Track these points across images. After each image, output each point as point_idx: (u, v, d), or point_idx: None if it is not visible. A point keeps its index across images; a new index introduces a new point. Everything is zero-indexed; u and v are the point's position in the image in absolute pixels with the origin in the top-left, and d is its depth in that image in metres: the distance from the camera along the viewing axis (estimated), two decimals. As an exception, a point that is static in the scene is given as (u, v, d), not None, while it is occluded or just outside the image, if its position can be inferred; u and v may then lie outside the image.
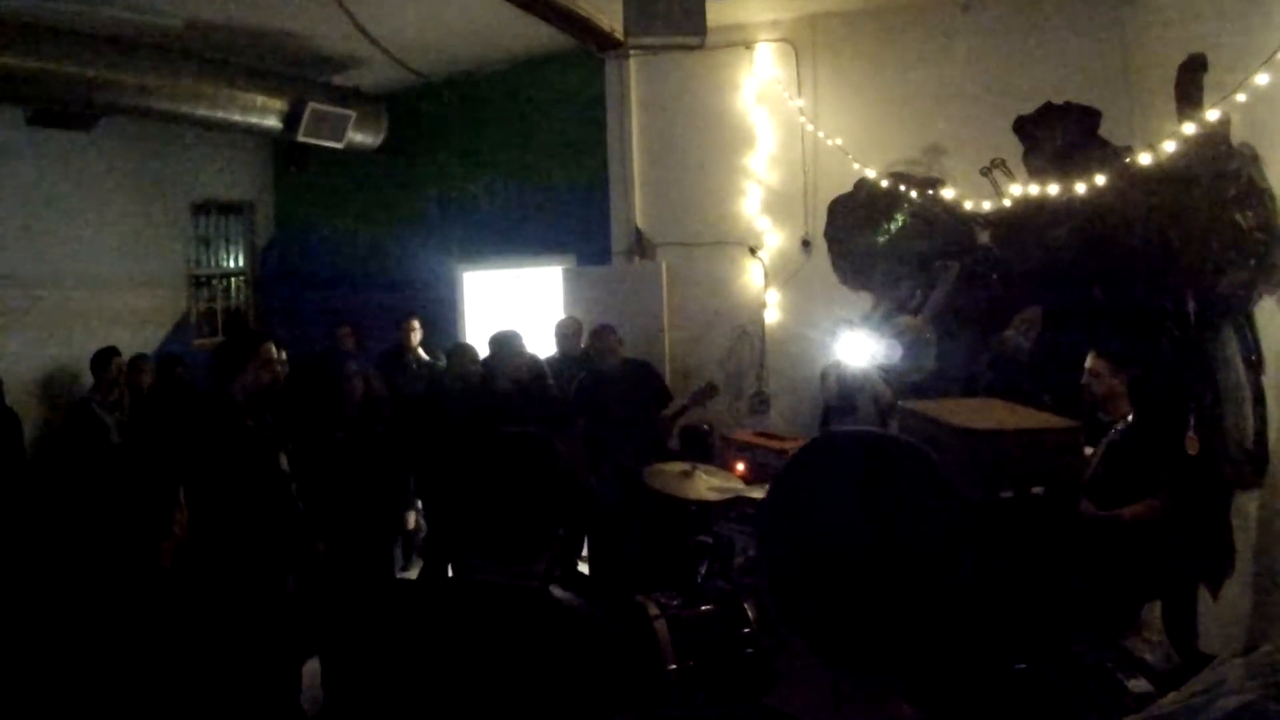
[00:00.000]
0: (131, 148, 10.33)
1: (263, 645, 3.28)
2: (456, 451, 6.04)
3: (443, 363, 8.46)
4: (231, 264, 12.09)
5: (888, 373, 7.05)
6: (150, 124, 9.54)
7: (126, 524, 3.13)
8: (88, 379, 8.86)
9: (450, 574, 6.56)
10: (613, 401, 7.38)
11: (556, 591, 2.44)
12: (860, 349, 7.14)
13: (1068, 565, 3.96)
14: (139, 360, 9.14)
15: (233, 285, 12.12)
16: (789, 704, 1.40)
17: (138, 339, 10.00)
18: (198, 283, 11.62)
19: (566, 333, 8.29)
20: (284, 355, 5.41)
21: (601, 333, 7.65)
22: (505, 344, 7.27)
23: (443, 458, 6.84)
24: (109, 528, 3.08)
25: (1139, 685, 3.46)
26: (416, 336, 8.90)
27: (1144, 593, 5.79)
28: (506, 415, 6.57)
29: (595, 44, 8.66)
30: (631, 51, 8.70)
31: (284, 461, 5.35)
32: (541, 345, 8.24)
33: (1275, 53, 4.59)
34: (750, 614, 5.14)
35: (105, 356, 8.70)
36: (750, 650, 4.93)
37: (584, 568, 7.70)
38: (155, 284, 10.85)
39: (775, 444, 7.77)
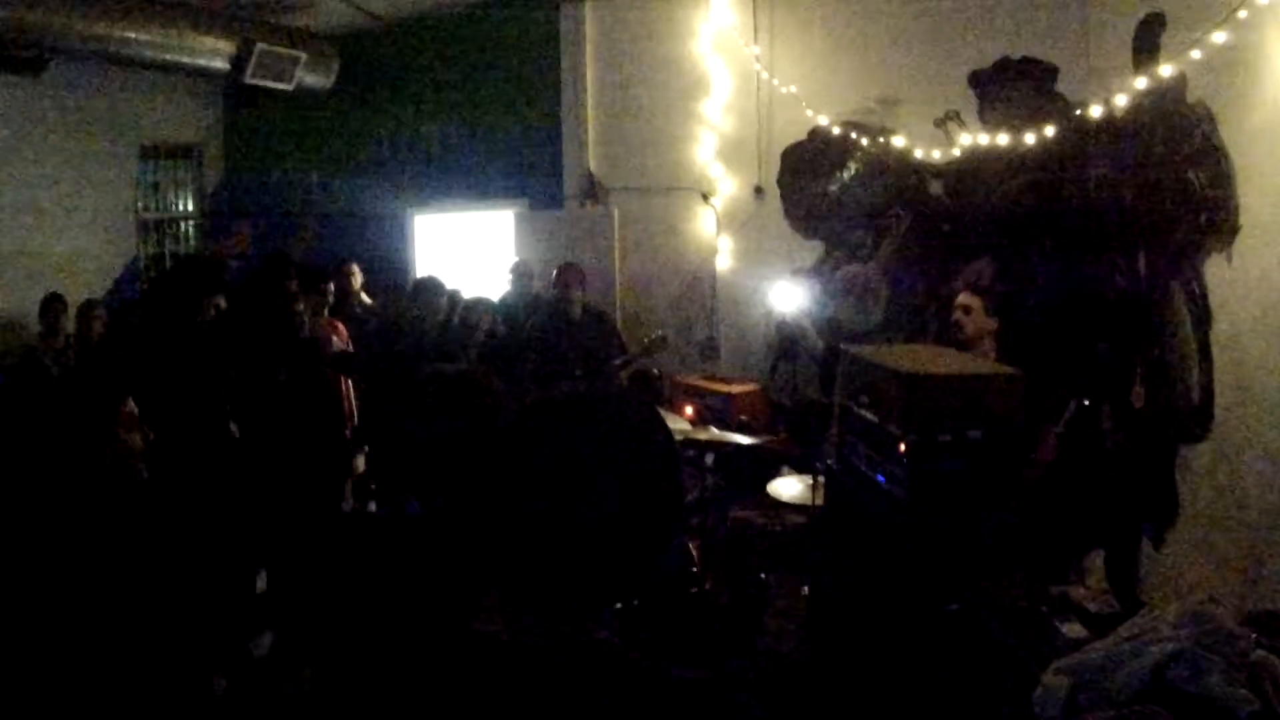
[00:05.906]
0: (80, 91, 10.16)
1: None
2: (391, 391, 6.08)
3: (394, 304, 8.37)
4: (181, 208, 11.98)
5: (828, 321, 7.02)
6: (98, 67, 9.40)
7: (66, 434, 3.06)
8: (36, 325, 8.61)
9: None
10: (567, 346, 7.33)
11: None
12: (793, 297, 7.13)
13: (1003, 509, 3.98)
14: (89, 306, 8.64)
15: (182, 229, 11.99)
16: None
17: (87, 284, 9.80)
18: (147, 227, 11.49)
19: (522, 273, 8.24)
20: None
21: (570, 269, 7.55)
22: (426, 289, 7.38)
23: (383, 398, 6.80)
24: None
25: (1074, 630, 3.49)
26: (357, 281, 8.78)
27: (1086, 541, 5.85)
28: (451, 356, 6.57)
29: (552, -14, 8.56)
30: (588, -6, 8.64)
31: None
32: (494, 289, 8.23)
33: (1234, 11, 4.57)
34: (693, 553, 5.16)
35: (51, 303, 8.43)
36: (694, 589, 4.93)
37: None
38: (104, 228, 10.76)
39: (723, 388, 7.88)
